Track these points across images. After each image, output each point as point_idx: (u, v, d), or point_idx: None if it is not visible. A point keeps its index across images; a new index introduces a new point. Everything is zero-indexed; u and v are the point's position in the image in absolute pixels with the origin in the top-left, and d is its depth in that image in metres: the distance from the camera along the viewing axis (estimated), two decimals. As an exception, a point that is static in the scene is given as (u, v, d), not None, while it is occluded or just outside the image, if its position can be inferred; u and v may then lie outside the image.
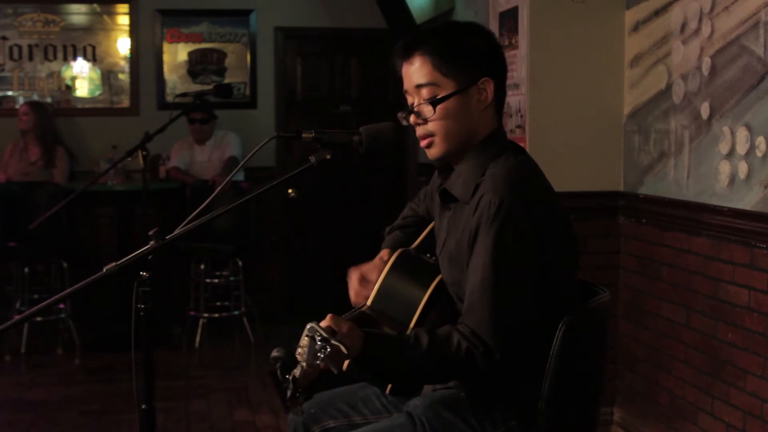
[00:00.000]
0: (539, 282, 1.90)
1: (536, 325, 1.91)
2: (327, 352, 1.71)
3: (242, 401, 4.72)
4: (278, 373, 1.74)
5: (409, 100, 2.03)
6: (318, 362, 1.72)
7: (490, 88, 1.99)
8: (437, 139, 2.00)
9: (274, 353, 1.76)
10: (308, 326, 1.74)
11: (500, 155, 1.98)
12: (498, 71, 2.03)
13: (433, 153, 2.03)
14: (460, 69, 1.97)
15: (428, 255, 2.22)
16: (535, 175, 2.01)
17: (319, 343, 1.72)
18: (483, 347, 1.86)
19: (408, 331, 2.00)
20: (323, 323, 1.86)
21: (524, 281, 1.89)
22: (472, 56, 1.99)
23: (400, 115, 2.04)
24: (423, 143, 2.03)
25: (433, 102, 1.96)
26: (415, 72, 1.99)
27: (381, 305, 2.10)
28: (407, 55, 2.00)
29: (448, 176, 2.06)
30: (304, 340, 1.73)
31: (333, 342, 1.72)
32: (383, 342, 1.90)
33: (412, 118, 2.01)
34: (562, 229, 1.98)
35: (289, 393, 1.72)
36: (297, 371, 1.72)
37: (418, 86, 1.99)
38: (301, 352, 1.73)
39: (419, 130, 2.02)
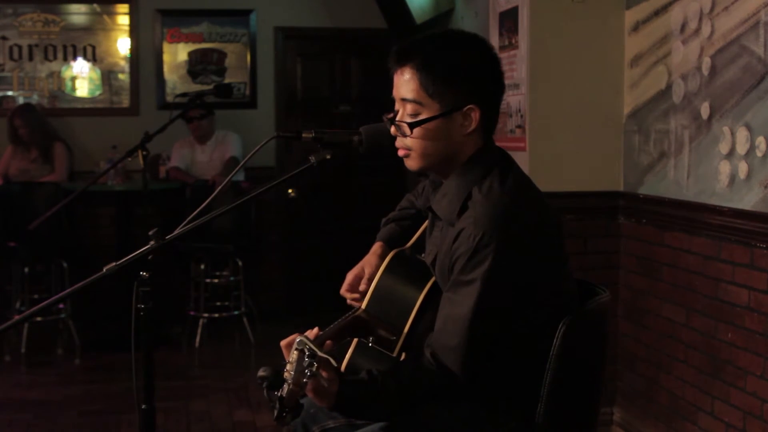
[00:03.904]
0: (521, 304, 1.89)
1: (506, 351, 1.92)
2: (314, 370, 1.68)
3: (242, 401, 4.71)
4: (265, 393, 1.72)
5: (396, 106, 2.00)
6: (305, 380, 1.69)
7: (475, 116, 1.93)
8: (413, 155, 1.97)
9: (261, 372, 1.75)
10: (298, 339, 1.71)
11: (486, 176, 1.95)
12: (489, 96, 1.97)
13: (409, 165, 2.00)
14: (447, 92, 1.91)
15: (423, 254, 2.22)
16: (520, 198, 1.95)
17: (306, 360, 1.68)
18: (446, 378, 1.88)
19: (403, 334, 2.02)
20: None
21: (501, 313, 1.88)
22: (462, 80, 1.93)
23: (385, 117, 2.01)
24: (400, 153, 2.00)
25: (411, 124, 1.93)
26: (403, 85, 1.95)
27: (376, 308, 2.10)
28: (399, 64, 1.96)
29: (436, 192, 2.05)
30: (294, 355, 1.70)
31: (321, 355, 1.69)
32: (355, 393, 1.86)
33: (392, 129, 1.98)
34: (549, 250, 1.95)
35: (275, 412, 1.71)
36: (284, 390, 1.71)
37: (403, 100, 1.95)
38: (289, 369, 1.71)
39: (398, 141, 1.99)
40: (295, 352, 1.70)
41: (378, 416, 1.94)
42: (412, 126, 1.93)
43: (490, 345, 1.90)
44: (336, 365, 1.73)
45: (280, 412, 1.71)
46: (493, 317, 1.88)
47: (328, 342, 1.79)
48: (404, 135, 1.96)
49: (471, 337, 1.86)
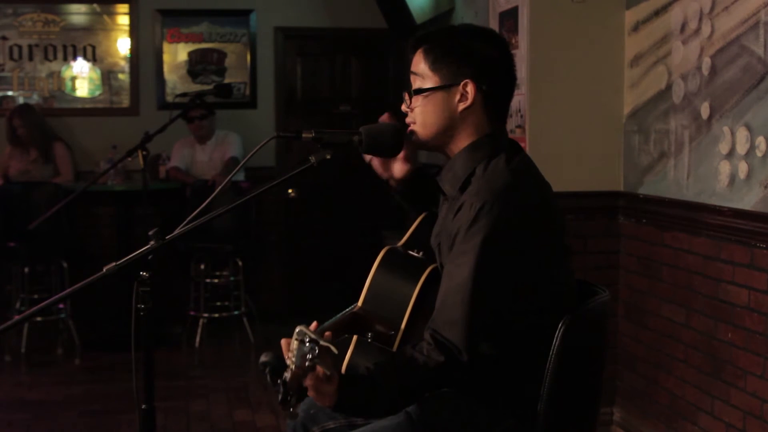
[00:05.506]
0: (518, 285, 1.90)
1: (510, 329, 1.92)
2: (316, 354, 1.68)
3: (242, 401, 4.72)
4: (268, 378, 1.72)
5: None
6: (307, 363, 1.69)
7: (471, 90, 2.00)
8: (416, 128, 2.07)
9: (263, 358, 1.75)
10: (297, 329, 1.71)
11: (492, 158, 1.99)
12: (489, 78, 2.02)
13: (414, 139, 2.09)
14: (446, 67, 2.02)
15: (416, 250, 2.22)
16: (523, 177, 1.99)
17: (308, 344, 1.69)
18: (447, 355, 1.85)
19: (401, 328, 2.03)
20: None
21: (500, 286, 1.89)
22: (461, 58, 2.02)
23: (403, 107, 2.11)
24: (408, 130, 2.10)
25: (412, 91, 2.05)
26: (413, 63, 2.08)
27: (372, 305, 2.10)
28: (414, 47, 2.09)
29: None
30: (294, 344, 1.70)
31: (322, 343, 1.69)
32: (356, 391, 1.86)
33: (403, 104, 2.09)
34: (548, 233, 1.97)
35: (280, 396, 1.71)
36: (287, 374, 1.71)
37: (412, 74, 2.07)
38: (290, 356, 1.71)
39: (408, 117, 2.09)
40: (295, 341, 1.70)
41: (381, 407, 1.92)
42: (412, 93, 2.05)
43: (492, 320, 1.89)
44: (336, 353, 1.73)
45: (285, 395, 1.71)
46: (494, 288, 1.88)
47: (327, 333, 1.79)
48: (409, 107, 2.07)
49: (472, 308, 1.86)
